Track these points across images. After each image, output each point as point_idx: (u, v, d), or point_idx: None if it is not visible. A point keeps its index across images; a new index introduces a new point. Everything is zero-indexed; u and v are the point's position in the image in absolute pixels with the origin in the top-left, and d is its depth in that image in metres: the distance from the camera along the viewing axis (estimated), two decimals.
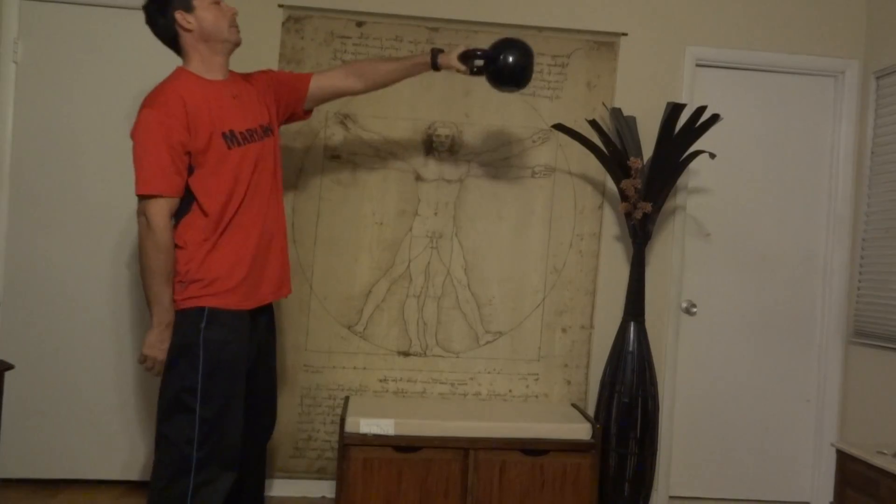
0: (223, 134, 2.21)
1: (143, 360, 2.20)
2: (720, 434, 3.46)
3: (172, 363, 2.18)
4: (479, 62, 2.52)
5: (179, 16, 2.23)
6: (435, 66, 2.57)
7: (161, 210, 2.12)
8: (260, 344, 2.38)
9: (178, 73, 2.29)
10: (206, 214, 2.19)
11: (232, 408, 2.20)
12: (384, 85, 2.68)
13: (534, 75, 3.27)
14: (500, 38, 2.58)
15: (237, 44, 2.36)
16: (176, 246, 2.19)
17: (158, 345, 2.17)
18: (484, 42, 3.28)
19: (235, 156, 2.23)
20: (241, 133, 2.26)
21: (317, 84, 2.56)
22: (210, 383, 2.15)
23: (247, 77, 2.45)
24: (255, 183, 2.27)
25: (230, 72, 2.38)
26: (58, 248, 3.18)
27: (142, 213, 2.14)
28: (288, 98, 2.52)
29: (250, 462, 2.45)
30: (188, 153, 2.16)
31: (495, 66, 2.52)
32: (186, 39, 2.27)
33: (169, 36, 2.28)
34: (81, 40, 3.19)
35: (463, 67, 2.54)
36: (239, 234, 2.24)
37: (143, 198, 2.13)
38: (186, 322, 2.17)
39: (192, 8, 2.24)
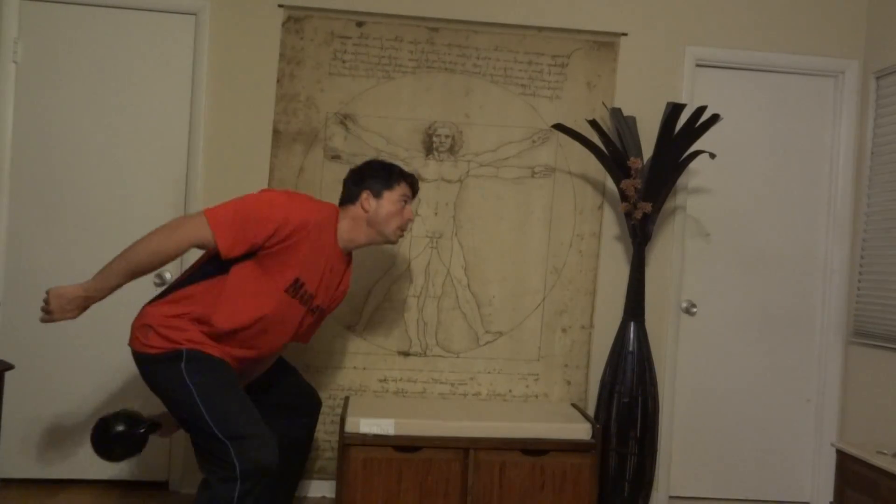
0: (297, 278, 2.27)
1: (44, 299, 2.15)
2: (720, 434, 3.46)
3: (173, 401, 2.21)
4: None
5: (365, 195, 2.40)
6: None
7: (198, 235, 2.14)
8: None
9: (330, 208, 2.38)
10: (222, 293, 2.21)
11: (241, 411, 2.19)
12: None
13: (534, 75, 3.32)
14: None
15: (389, 243, 2.50)
16: (180, 287, 2.25)
17: (65, 303, 2.12)
18: (483, 43, 3.30)
19: (282, 299, 2.28)
20: (305, 292, 2.33)
21: None
22: (215, 408, 2.16)
23: (348, 267, 2.52)
24: (275, 326, 2.31)
25: (349, 253, 2.49)
26: (58, 248, 3.18)
27: (186, 218, 2.17)
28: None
29: (294, 456, 2.59)
30: (261, 246, 2.19)
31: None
32: (356, 211, 2.41)
33: (348, 199, 2.44)
34: (81, 40, 3.19)
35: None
36: (230, 344, 2.27)
37: (204, 214, 2.16)
38: (164, 365, 2.19)
39: (380, 196, 2.40)
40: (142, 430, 2.36)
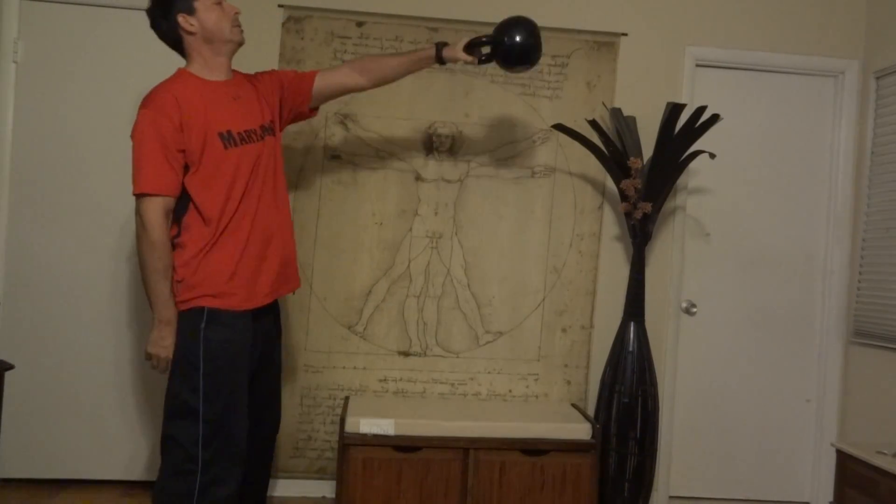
0: (220, 134, 2.21)
1: (147, 357, 2.21)
2: (720, 434, 3.46)
3: (175, 364, 2.18)
4: (486, 49, 2.51)
5: (182, 19, 2.25)
6: (440, 60, 2.56)
7: (154, 208, 2.13)
8: (265, 344, 2.38)
9: (178, 73, 2.29)
10: (202, 215, 2.19)
11: (235, 406, 2.20)
12: (389, 80, 2.66)
13: (534, 75, 3.31)
14: (504, 19, 2.56)
15: (240, 43, 2.36)
16: (174, 246, 2.19)
17: (160, 342, 2.18)
18: None
19: (233, 156, 2.22)
20: (238, 133, 2.25)
21: (322, 82, 2.55)
22: (211, 382, 2.15)
23: (250, 77, 2.45)
24: (253, 184, 2.27)
25: (234, 72, 2.39)
26: (58, 248, 3.18)
27: (137, 212, 2.16)
28: (293, 97, 2.51)
29: (254, 461, 2.45)
30: (182, 151, 2.16)
31: (503, 49, 2.50)
32: (189, 42, 2.28)
33: (173, 39, 2.29)
34: (81, 40, 3.19)
35: (469, 58, 2.52)
36: (236, 234, 2.23)
37: (138, 197, 2.14)
38: (187, 323, 2.18)
39: (193, 10, 2.25)
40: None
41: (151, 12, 2.29)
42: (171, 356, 2.19)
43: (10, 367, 2.69)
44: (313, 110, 2.63)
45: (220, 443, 2.15)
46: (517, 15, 2.56)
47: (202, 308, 2.17)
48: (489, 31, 3.26)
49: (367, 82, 2.60)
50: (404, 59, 2.61)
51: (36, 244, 3.18)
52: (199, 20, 2.25)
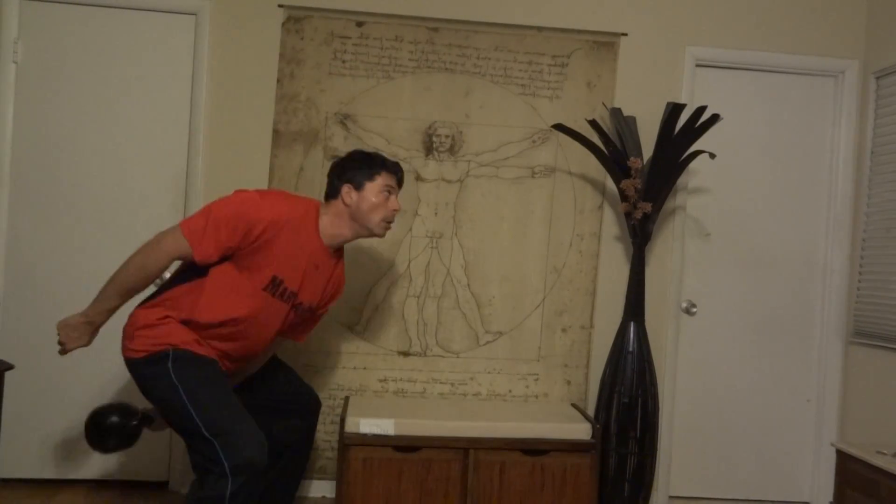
0: (274, 276, 2.25)
1: (57, 328, 2.25)
2: (720, 434, 3.46)
3: (163, 403, 2.22)
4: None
5: (346, 189, 2.33)
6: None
7: (175, 248, 2.17)
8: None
9: (309, 203, 2.35)
10: (201, 294, 2.21)
11: (229, 409, 2.19)
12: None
13: (534, 75, 3.31)
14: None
15: (375, 236, 2.43)
16: (157, 294, 2.26)
17: (71, 331, 2.23)
18: (483, 43, 3.30)
19: (262, 298, 2.26)
20: (284, 289, 2.29)
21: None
22: (201, 407, 2.15)
23: (339, 267, 2.48)
24: (259, 323, 2.30)
25: (337, 250, 2.44)
26: (58, 248, 3.18)
27: (165, 233, 2.19)
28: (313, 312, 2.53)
29: (294, 453, 2.56)
30: (237, 248, 2.19)
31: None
32: (339, 206, 2.35)
33: (330, 193, 2.39)
34: (81, 40, 3.19)
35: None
36: (216, 332, 2.27)
37: (180, 231, 2.18)
38: (154, 366, 2.19)
39: (361, 188, 2.34)
40: (134, 423, 2.37)
41: (333, 164, 2.42)
42: (68, 348, 2.24)
43: (10, 367, 2.70)
44: None
45: (240, 448, 2.13)
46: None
47: (167, 352, 2.19)
48: (489, 29, 3.28)
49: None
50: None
51: (36, 244, 3.18)
52: (359, 198, 2.33)
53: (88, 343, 2.27)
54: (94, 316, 2.23)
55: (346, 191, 2.34)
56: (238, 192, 2.28)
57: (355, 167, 2.37)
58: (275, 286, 2.27)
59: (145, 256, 2.18)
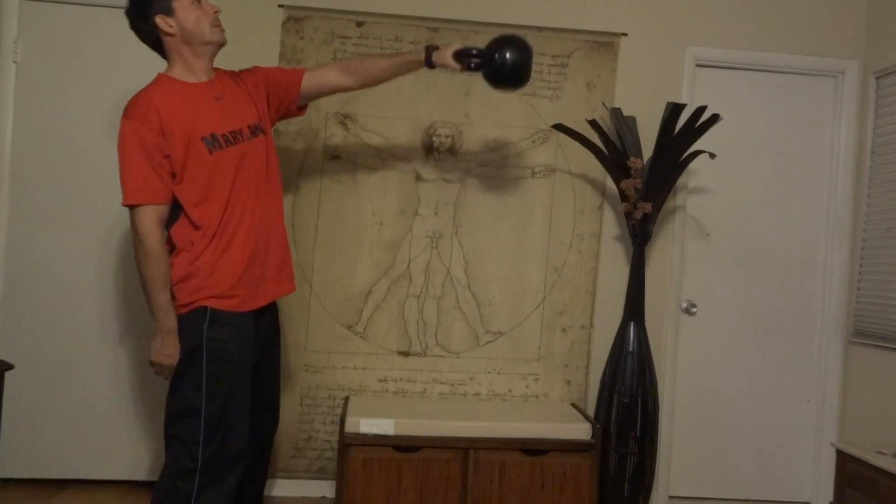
0: (203, 139, 2.18)
1: (151, 365, 2.22)
2: (720, 434, 3.46)
3: (180, 366, 2.18)
4: (476, 61, 2.47)
5: (160, 20, 2.21)
6: (430, 64, 2.52)
7: (147, 218, 2.13)
8: (264, 343, 2.39)
9: (157, 79, 2.27)
10: (193, 222, 2.18)
11: (236, 407, 2.20)
12: (378, 82, 2.62)
13: (533, 75, 3.30)
14: (498, 35, 2.53)
15: (221, 44, 2.32)
16: (171, 251, 2.20)
17: (162, 350, 2.18)
18: (483, 43, 3.28)
19: (219, 160, 2.20)
20: (223, 136, 2.23)
21: (310, 80, 2.52)
22: (214, 382, 2.15)
23: (235, 76, 2.42)
24: (242, 185, 2.25)
25: (217, 71, 2.35)
26: (58, 248, 3.18)
27: (131, 223, 2.16)
28: (280, 95, 2.49)
29: (253, 460, 2.45)
30: (167, 157, 2.15)
31: (493, 65, 2.46)
32: (169, 43, 2.25)
33: (153, 40, 2.27)
34: (81, 40, 3.19)
35: (458, 66, 2.48)
36: (233, 238, 2.22)
37: (130, 208, 2.14)
38: (190, 324, 2.18)
39: (171, 10, 2.21)
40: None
41: (129, 13, 2.25)
42: (174, 364, 2.18)
43: (10, 367, 2.69)
44: (302, 109, 2.60)
45: (220, 443, 2.15)
46: (513, 34, 2.52)
47: (205, 308, 2.17)
48: (489, 29, 3.26)
49: (355, 83, 2.57)
50: (393, 61, 2.58)
51: (36, 244, 3.18)
52: (177, 21, 2.21)
53: (179, 347, 2.19)
54: (163, 322, 2.17)
55: (161, 21, 2.21)
56: (119, 133, 2.17)
57: None
58: (213, 142, 2.19)
59: (142, 247, 2.14)
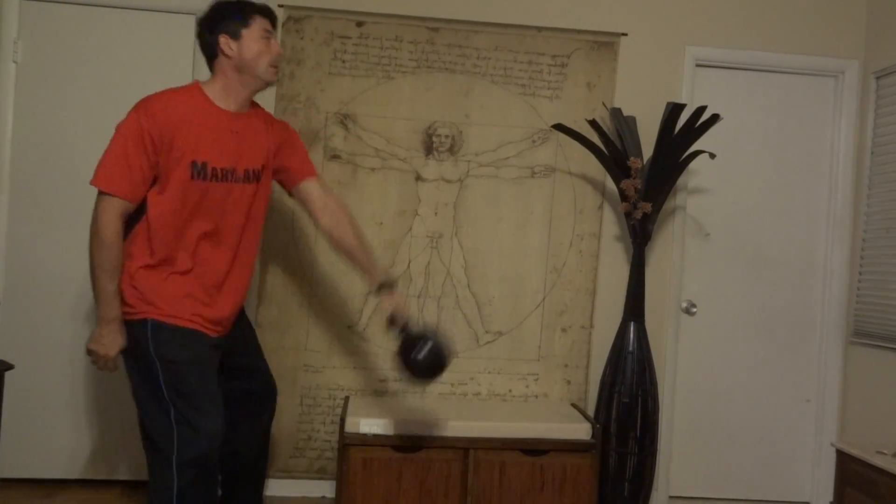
0: (193, 162, 2.17)
1: (88, 353, 2.19)
2: (720, 434, 3.46)
3: (134, 369, 2.17)
4: (399, 337, 2.43)
5: (224, 39, 2.23)
6: (375, 292, 2.50)
7: (111, 209, 2.11)
8: (232, 340, 2.37)
9: (189, 86, 2.28)
10: (150, 230, 2.16)
11: (205, 404, 2.16)
12: (337, 246, 2.56)
13: (534, 75, 3.31)
14: (432, 331, 2.44)
15: (270, 84, 2.34)
16: (129, 247, 2.18)
17: (101, 339, 2.15)
18: (483, 43, 3.30)
19: (197, 188, 2.18)
20: (214, 169, 2.20)
21: (303, 189, 2.50)
22: (174, 387, 2.13)
23: (269, 120, 2.42)
24: (207, 220, 2.22)
25: (253, 107, 2.36)
26: (58, 248, 3.18)
27: (95, 207, 2.13)
28: (284, 173, 2.48)
29: (249, 456, 2.45)
30: (155, 163, 2.14)
31: (407, 353, 2.40)
32: (222, 63, 2.26)
33: (208, 53, 2.28)
34: (81, 40, 3.19)
35: (389, 322, 2.46)
36: (184, 266, 2.20)
37: (98, 192, 2.12)
38: (139, 335, 2.16)
39: (238, 36, 2.23)
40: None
41: (200, 22, 2.28)
42: (111, 354, 2.16)
43: (10, 367, 2.69)
44: (291, 195, 2.58)
45: (194, 443, 2.11)
46: (441, 339, 2.42)
47: (146, 321, 2.15)
48: (489, 29, 3.27)
49: (324, 230, 2.54)
50: (359, 254, 2.51)
51: (36, 244, 3.18)
52: (239, 47, 2.23)
53: (124, 340, 2.17)
54: (106, 313, 2.14)
55: (224, 42, 2.22)
56: (124, 119, 2.17)
57: (227, 17, 2.24)
58: (200, 171, 2.17)
59: (97, 233, 2.11)
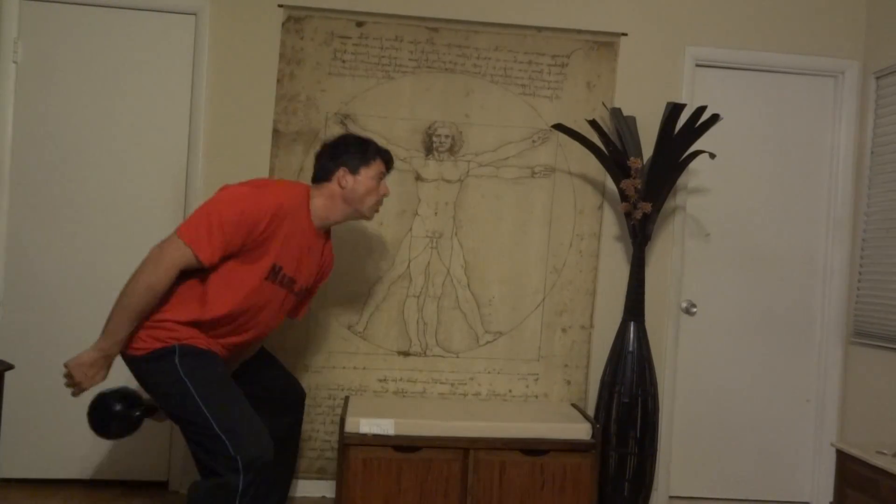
0: (273, 265, 2.25)
1: (66, 374, 2.18)
2: (720, 434, 3.46)
3: (168, 399, 2.19)
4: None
5: (343, 172, 2.36)
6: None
7: (180, 257, 2.13)
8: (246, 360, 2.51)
9: (304, 192, 2.36)
10: (200, 298, 2.20)
11: (239, 405, 2.20)
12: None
13: (534, 75, 3.32)
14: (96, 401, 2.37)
15: (365, 219, 2.48)
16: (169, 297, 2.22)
17: (85, 367, 2.16)
18: (483, 43, 3.30)
19: (264, 286, 2.27)
20: (284, 275, 2.31)
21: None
22: (212, 402, 2.15)
23: (327, 245, 2.52)
24: (262, 317, 2.32)
25: (327, 232, 2.48)
26: (58, 249, 3.18)
27: (165, 247, 2.14)
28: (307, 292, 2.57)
29: (286, 440, 2.57)
30: (240, 245, 2.18)
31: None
32: (332, 189, 2.38)
33: (321, 176, 2.39)
34: (81, 40, 3.19)
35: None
36: (216, 336, 2.27)
37: (176, 238, 2.14)
38: (159, 361, 2.18)
39: (357, 172, 2.37)
40: (137, 414, 2.35)
41: (325, 146, 2.43)
42: (84, 386, 2.17)
43: (10, 367, 2.69)
44: None
45: (246, 443, 2.13)
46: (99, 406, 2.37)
47: (173, 346, 2.19)
48: (489, 29, 3.28)
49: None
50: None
51: (36, 244, 3.18)
52: (355, 182, 2.36)
53: (104, 378, 2.20)
54: (108, 349, 2.17)
55: (342, 174, 2.36)
56: (227, 188, 2.24)
57: (351, 151, 2.40)
58: (275, 274, 2.27)
59: (151, 274, 2.12)
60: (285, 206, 2.23)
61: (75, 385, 2.18)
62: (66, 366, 2.17)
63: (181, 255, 2.13)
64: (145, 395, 2.40)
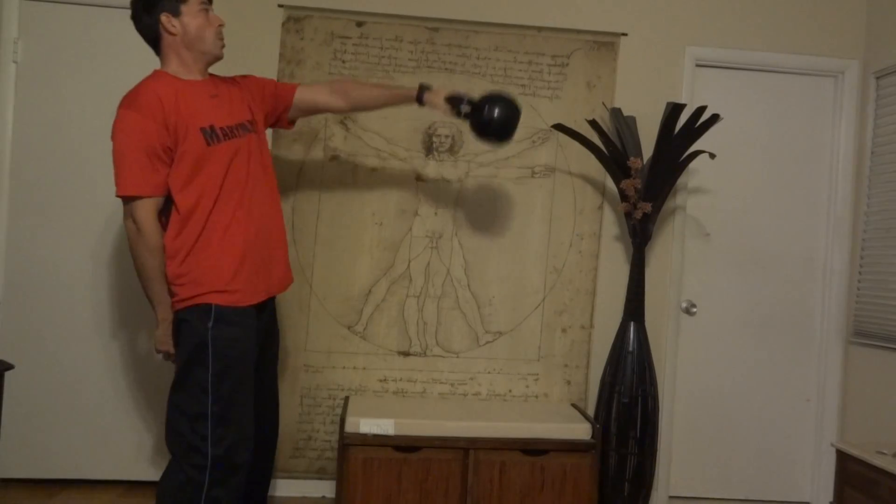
0: (202, 129, 2.19)
1: (158, 352, 2.31)
2: (720, 434, 3.46)
3: (185, 364, 2.18)
4: (466, 108, 2.50)
5: (165, 18, 2.23)
6: (420, 102, 2.58)
7: (147, 210, 2.14)
8: (264, 336, 2.38)
9: (156, 74, 2.28)
10: (180, 211, 2.17)
11: (242, 405, 2.20)
12: (367, 109, 2.72)
13: (533, 75, 3.31)
14: (492, 90, 2.56)
15: (219, 57, 2.35)
16: (170, 245, 2.19)
17: (166, 339, 2.26)
18: (483, 43, 3.30)
19: (213, 151, 2.20)
20: (221, 129, 2.24)
21: (301, 96, 2.56)
22: (220, 381, 2.15)
23: (230, 79, 2.44)
24: (235, 178, 2.24)
25: (211, 75, 2.37)
26: (58, 248, 3.18)
27: (128, 216, 2.16)
28: (272, 105, 2.52)
29: (255, 462, 2.44)
30: (169, 149, 2.15)
31: (481, 117, 2.50)
32: (168, 42, 2.26)
33: (151, 36, 2.28)
34: (81, 40, 3.19)
35: (448, 109, 2.54)
36: (222, 231, 2.21)
37: (127, 200, 2.14)
38: (194, 320, 2.17)
39: (179, 12, 2.23)
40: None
41: (134, 5, 2.27)
42: (172, 351, 2.26)
43: (10, 367, 2.69)
44: (291, 123, 2.64)
45: (228, 439, 2.14)
46: (507, 93, 2.56)
47: (209, 305, 2.16)
48: (489, 29, 3.27)
49: (345, 105, 2.62)
50: (385, 93, 2.65)
51: (36, 244, 3.18)
52: (182, 24, 2.23)
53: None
54: (164, 314, 2.24)
55: (166, 20, 2.22)
56: (114, 126, 2.19)
57: None
58: (212, 134, 2.20)
59: (139, 241, 2.15)
60: (160, 92, 2.17)
61: (169, 356, 2.29)
62: (157, 350, 2.30)
63: (139, 207, 2.13)
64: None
